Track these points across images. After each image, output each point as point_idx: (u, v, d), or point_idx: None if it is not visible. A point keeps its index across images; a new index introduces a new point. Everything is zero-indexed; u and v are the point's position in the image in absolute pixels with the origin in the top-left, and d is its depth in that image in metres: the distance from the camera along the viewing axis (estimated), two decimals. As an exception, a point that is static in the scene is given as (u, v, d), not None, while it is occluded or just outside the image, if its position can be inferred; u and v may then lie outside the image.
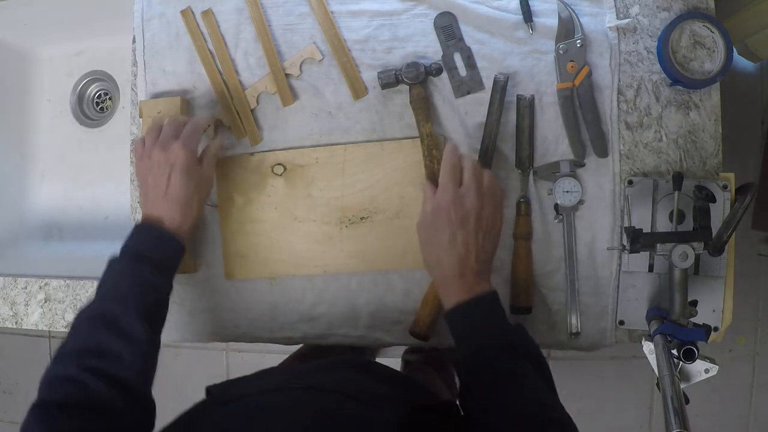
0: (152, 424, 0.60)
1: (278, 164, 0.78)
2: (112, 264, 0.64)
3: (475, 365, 0.57)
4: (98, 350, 0.57)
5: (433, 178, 0.70)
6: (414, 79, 0.72)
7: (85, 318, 0.60)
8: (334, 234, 0.77)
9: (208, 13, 0.79)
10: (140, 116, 0.80)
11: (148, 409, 0.60)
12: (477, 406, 0.56)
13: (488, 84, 0.75)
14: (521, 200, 0.73)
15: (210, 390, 0.63)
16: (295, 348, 0.87)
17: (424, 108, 0.73)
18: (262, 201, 0.78)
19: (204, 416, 0.52)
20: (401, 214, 0.76)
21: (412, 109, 0.73)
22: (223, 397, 0.59)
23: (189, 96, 0.80)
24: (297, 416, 0.48)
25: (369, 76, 0.76)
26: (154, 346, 0.62)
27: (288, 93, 0.77)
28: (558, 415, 0.52)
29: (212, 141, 0.75)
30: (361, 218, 0.76)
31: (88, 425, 0.53)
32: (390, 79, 0.73)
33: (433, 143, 0.72)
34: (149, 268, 0.63)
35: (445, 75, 0.75)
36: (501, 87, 0.72)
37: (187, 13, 0.80)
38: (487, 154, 0.73)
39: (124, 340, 0.58)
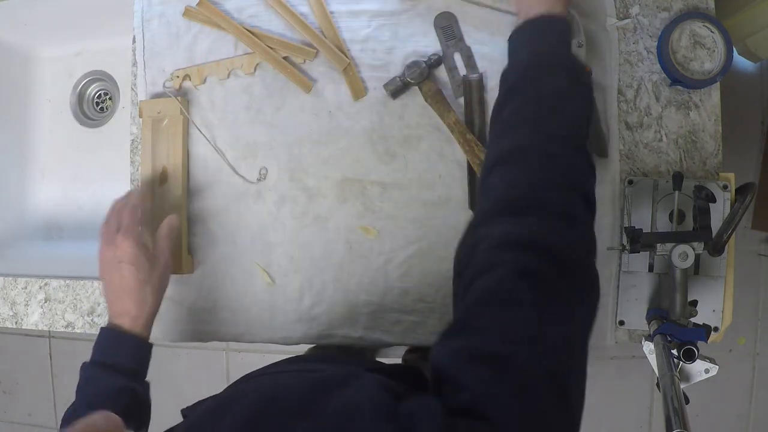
0: None
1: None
2: (84, 369, 0.65)
3: (526, 72, 0.53)
4: None
5: (477, 161, 0.71)
6: (419, 78, 0.72)
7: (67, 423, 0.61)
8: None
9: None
10: (140, 116, 0.80)
11: None
12: (506, 122, 0.51)
13: (488, 84, 0.75)
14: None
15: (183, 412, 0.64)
16: (294, 348, 0.87)
17: (441, 100, 0.73)
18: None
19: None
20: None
21: (430, 106, 0.73)
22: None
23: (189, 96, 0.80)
24: (255, 387, 0.48)
25: (369, 76, 0.76)
26: None
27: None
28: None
29: (163, 223, 0.72)
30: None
31: None
32: (397, 86, 0.73)
33: (463, 129, 0.72)
34: (113, 373, 0.63)
35: (445, 75, 0.75)
36: (476, 86, 0.72)
37: (190, 10, 0.80)
38: None
39: None
